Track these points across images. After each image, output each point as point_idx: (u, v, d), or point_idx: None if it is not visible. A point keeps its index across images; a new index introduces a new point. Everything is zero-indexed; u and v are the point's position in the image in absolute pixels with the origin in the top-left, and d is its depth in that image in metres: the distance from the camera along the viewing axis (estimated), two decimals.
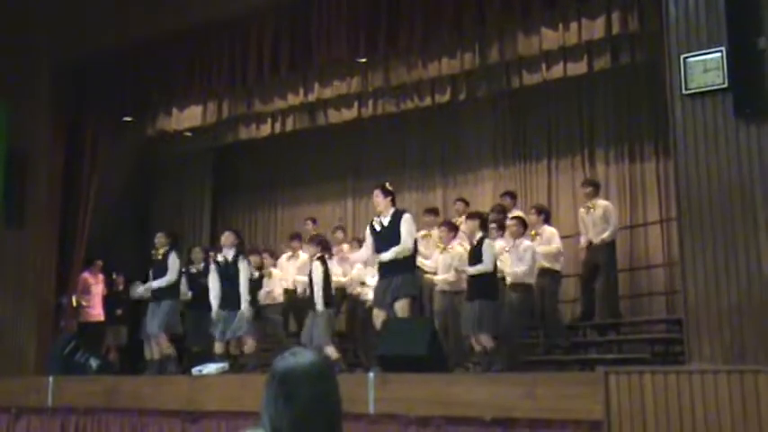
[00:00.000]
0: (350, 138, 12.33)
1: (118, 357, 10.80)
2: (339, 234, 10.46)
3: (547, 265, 8.74)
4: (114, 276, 11.27)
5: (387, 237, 7.44)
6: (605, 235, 8.98)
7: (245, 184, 13.58)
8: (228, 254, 8.72)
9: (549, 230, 8.96)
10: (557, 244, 8.85)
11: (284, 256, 10.41)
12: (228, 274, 8.62)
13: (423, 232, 9.22)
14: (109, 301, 11.09)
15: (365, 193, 12.12)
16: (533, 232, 8.94)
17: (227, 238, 8.86)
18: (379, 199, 7.60)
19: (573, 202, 10.31)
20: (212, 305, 8.66)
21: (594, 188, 9.37)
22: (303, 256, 9.69)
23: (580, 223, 9.34)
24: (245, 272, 8.63)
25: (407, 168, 12.11)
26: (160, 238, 9.38)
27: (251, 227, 13.31)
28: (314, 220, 11.06)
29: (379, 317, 7.38)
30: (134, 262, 11.61)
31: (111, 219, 11.98)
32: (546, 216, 9.21)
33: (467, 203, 10.09)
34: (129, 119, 11.20)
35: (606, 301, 9.11)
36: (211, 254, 9.39)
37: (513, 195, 10.00)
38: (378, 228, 7.53)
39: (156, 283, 9.09)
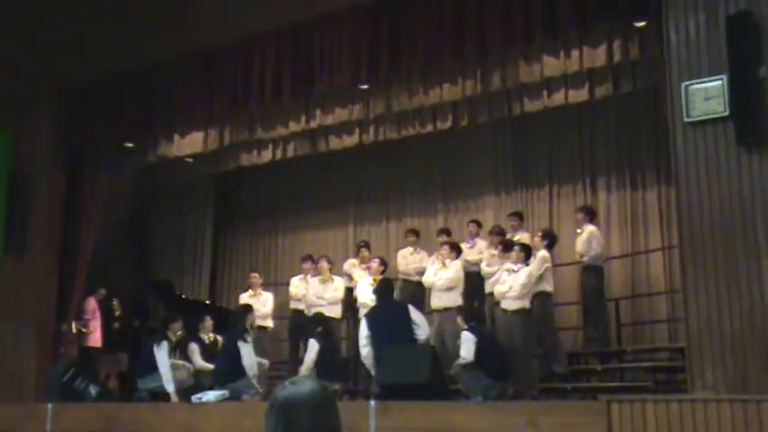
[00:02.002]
0: (351, 164, 12.37)
1: (117, 384, 10.77)
2: (364, 251, 10.67)
3: (537, 287, 8.79)
4: (114, 303, 11.23)
5: None
6: (585, 258, 9.14)
7: (246, 211, 13.58)
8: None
9: (540, 254, 9.00)
10: (540, 268, 8.82)
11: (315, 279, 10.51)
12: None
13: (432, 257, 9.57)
14: (108, 328, 11.04)
15: (367, 220, 12.44)
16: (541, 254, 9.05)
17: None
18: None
19: (574, 228, 10.16)
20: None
21: (585, 214, 9.50)
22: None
23: (578, 245, 9.44)
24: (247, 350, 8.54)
25: (408, 195, 12.16)
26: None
27: (252, 254, 13.29)
28: (367, 245, 10.96)
29: None
30: (132, 288, 11.65)
31: (111, 245, 11.89)
32: (549, 242, 9.28)
33: (479, 225, 10.28)
34: (130, 144, 11.17)
35: (591, 329, 9.24)
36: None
37: (520, 216, 10.10)
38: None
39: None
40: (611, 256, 10.16)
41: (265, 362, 9.30)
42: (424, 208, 12.01)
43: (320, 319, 8.86)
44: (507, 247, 8.68)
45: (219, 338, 9.30)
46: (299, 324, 10.18)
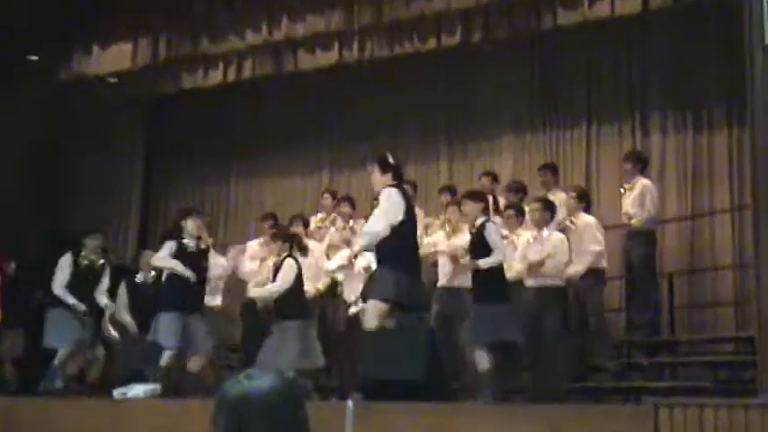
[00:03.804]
0: (327, 91, 12.36)
1: (14, 371, 10.81)
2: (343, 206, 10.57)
3: (592, 263, 8.98)
4: (13, 267, 11.16)
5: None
6: (633, 221, 9.23)
7: (187, 149, 13.61)
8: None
9: (585, 220, 9.10)
10: (594, 242, 8.99)
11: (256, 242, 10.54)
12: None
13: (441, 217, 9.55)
14: (4, 298, 10.95)
15: (345, 166, 12.47)
16: (570, 219, 9.10)
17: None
18: (374, 176, 7.68)
19: (618, 181, 10.31)
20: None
21: (635, 163, 9.56)
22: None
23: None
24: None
25: (402, 134, 12.08)
26: None
27: (197, 204, 12.74)
28: (333, 195, 10.99)
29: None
30: (40, 247, 11.68)
31: (9, 192, 12.06)
32: (587, 204, 9.37)
33: (495, 178, 10.23)
34: (33, 57, 11.38)
35: (637, 312, 9.35)
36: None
37: (554, 170, 10.12)
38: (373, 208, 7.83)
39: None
40: (665, 218, 10.26)
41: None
42: (422, 151, 11.98)
43: (292, 236, 9.05)
44: (520, 211, 8.88)
45: None
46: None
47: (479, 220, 8.04)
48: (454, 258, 8.73)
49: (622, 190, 9.57)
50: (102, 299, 9.77)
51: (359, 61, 10.86)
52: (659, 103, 10.85)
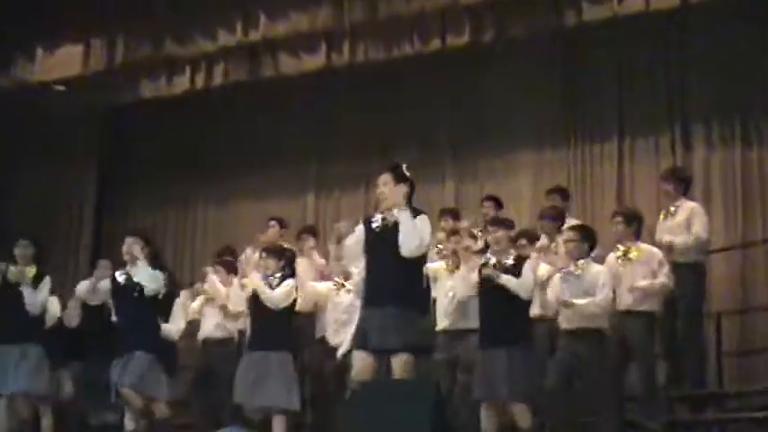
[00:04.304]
0: (313, 100, 12.34)
1: None
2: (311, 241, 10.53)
3: (638, 304, 8.47)
4: None
5: (391, 241, 7.08)
6: (679, 247, 8.83)
7: (148, 167, 13.51)
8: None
9: (646, 249, 8.62)
10: (651, 276, 8.50)
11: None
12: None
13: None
14: None
15: (336, 185, 12.35)
16: (622, 249, 8.58)
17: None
18: (388, 187, 7.23)
19: (656, 202, 10.06)
20: None
21: (678, 184, 9.29)
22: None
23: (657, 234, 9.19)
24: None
25: (401, 150, 11.60)
26: None
27: (157, 231, 12.92)
28: (281, 222, 10.85)
29: (364, 369, 7.08)
30: None
31: None
32: (638, 227, 8.82)
33: (499, 204, 10.00)
34: None
35: (679, 359, 9.15)
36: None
37: (564, 194, 9.92)
38: (378, 228, 7.27)
39: None
40: (710, 248, 9.67)
41: None
42: (425, 169, 10.94)
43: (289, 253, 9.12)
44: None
45: None
46: (219, 356, 9.69)
47: (508, 252, 7.92)
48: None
49: (663, 215, 9.23)
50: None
51: (350, 65, 10.88)
52: (702, 112, 10.70)
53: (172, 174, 13.28)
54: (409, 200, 7.19)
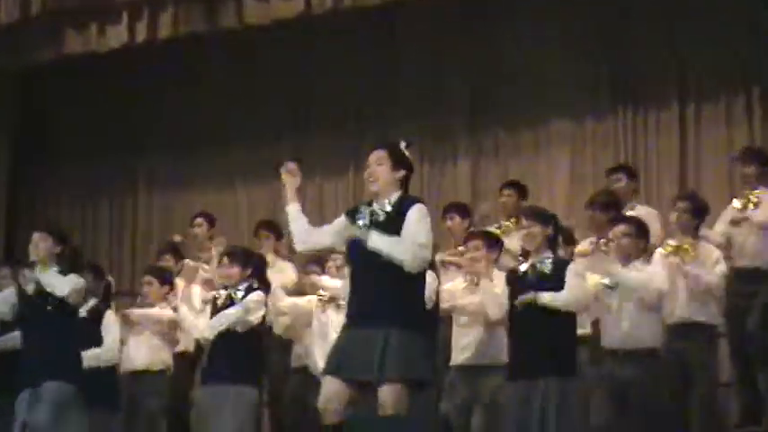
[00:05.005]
0: (287, 56, 12.04)
1: None
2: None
3: (696, 315, 8.34)
4: None
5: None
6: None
7: (74, 142, 13.26)
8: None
9: (707, 249, 8.50)
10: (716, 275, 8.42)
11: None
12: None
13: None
14: None
15: (316, 164, 11.86)
16: (673, 245, 8.39)
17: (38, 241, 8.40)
18: (382, 168, 6.72)
19: (727, 186, 9.96)
20: None
21: (763, 165, 9.05)
22: None
23: (721, 225, 8.93)
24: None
25: (402, 120, 11.50)
26: None
27: (87, 223, 13.10)
28: (209, 218, 10.70)
29: (333, 397, 6.73)
30: None
31: None
32: (700, 219, 8.66)
33: (522, 191, 9.82)
34: None
35: (754, 391, 8.95)
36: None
37: (629, 172, 9.58)
38: (364, 224, 6.79)
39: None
40: None
41: None
42: (432, 144, 11.50)
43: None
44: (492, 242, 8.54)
45: None
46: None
47: (545, 255, 7.65)
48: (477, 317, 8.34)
49: (737, 203, 8.86)
50: None
51: (334, 11, 10.72)
52: None
53: (105, 150, 13.01)
54: (405, 188, 6.81)
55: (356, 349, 6.62)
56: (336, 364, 6.66)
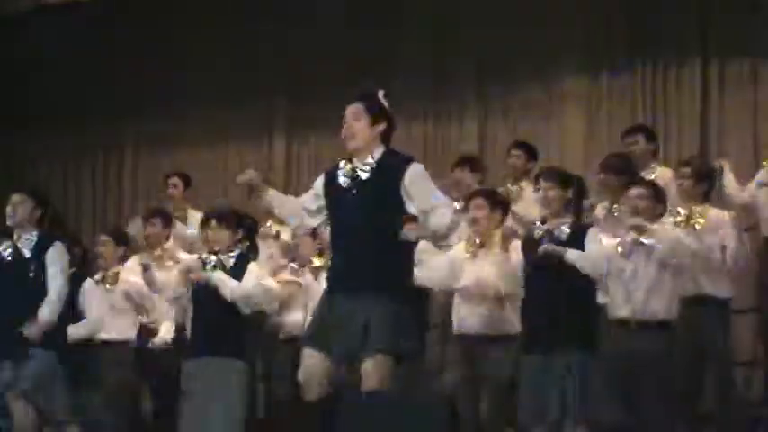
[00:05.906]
0: (284, 3, 11.97)
1: None
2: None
3: (706, 287, 8.35)
4: None
5: (367, 203, 6.75)
6: None
7: (56, 97, 13.14)
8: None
9: (715, 216, 8.50)
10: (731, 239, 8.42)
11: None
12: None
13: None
14: None
15: (313, 123, 12.01)
16: (684, 213, 8.49)
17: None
18: (359, 124, 6.69)
19: (751, 150, 9.98)
20: None
21: None
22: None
23: (745, 193, 8.92)
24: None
25: (406, 77, 11.52)
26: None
27: (69, 186, 13.26)
28: (185, 178, 10.76)
29: (314, 371, 6.79)
30: None
31: None
32: (709, 186, 8.71)
33: (532, 153, 9.82)
34: None
35: None
36: None
37: (647, 134, 9.45)
38: (346, 183, 6.84)
39: None
40: None
41: None
42: (437, 102, 11.56)
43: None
44: (497, 204, 8.59)
45: None
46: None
47: (563, 220, 7.64)
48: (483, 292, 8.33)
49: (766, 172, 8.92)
50: None
51: None
52: None
53: (89, 106, 12.96)
54: (387, 142, 6.78)
55: (338, 321, 6.63)
56: (317, 336, 6.70)
